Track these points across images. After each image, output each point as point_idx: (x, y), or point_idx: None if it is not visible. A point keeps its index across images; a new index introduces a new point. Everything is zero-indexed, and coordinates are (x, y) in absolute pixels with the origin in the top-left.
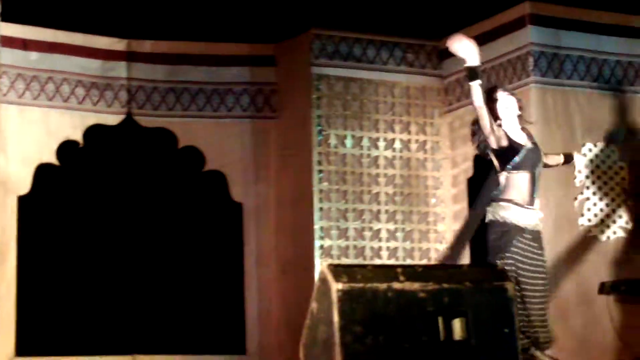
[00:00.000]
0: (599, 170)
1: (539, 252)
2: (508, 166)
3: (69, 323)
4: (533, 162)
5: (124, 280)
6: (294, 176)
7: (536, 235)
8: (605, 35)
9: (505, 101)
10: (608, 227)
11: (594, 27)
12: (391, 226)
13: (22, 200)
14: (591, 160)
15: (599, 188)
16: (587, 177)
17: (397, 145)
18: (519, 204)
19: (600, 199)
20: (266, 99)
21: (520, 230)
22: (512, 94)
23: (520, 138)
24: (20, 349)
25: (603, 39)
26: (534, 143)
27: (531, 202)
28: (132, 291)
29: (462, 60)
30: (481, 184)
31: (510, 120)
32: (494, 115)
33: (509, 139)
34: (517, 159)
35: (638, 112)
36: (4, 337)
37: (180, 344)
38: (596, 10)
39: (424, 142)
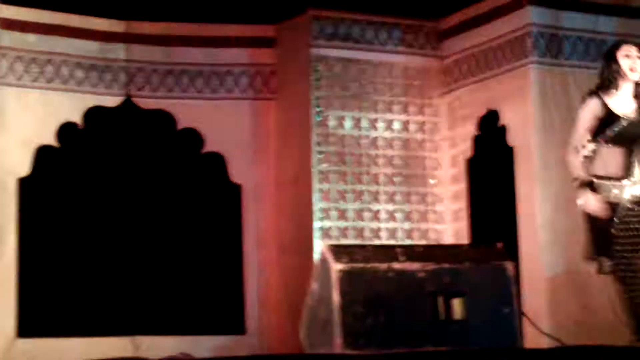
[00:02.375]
0: None
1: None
2: (599, 138)
3: (70, 304)
4: (633, 136)
5: (124, 262)
6: (293, 157)
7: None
8: (604, 15)
9: (629, 63)
10: None
11: (593, 7)
12: (390, 207)
13: (22, 182)
14: None
15: None
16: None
17: (396, 126)
18: (605, 178)
19: None
20: (265, 80)
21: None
22: None
23: (626, 107)
24: (21, 330)
25: (601, 19)
26: None
27: (623, 177)
28: (132, 273)
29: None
30: (480, 164)
31: (625, 85)
32: (611, 75)
33: (607, 109)
34: (610, 131)
35: None
36: (4, 319)
37: (180, 325)
38: None
39: (423, 122)
